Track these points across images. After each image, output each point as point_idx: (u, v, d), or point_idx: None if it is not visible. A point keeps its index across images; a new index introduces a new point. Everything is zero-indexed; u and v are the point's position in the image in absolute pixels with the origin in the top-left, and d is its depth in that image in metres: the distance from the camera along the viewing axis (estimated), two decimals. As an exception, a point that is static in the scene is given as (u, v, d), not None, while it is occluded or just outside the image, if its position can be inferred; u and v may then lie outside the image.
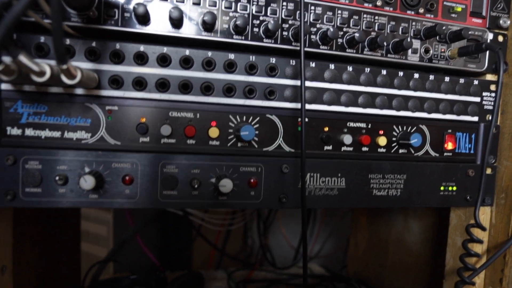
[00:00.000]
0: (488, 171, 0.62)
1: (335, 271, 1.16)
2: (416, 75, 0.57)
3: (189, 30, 0.48)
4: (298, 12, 0.51)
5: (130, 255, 1.12)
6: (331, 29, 0.50)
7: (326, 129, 0.54)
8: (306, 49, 0.51)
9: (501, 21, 0.60)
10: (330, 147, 0.54)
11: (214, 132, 0.49)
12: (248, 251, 1.25)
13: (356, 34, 0.51)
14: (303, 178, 0.48)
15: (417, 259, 0.82)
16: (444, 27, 0.56)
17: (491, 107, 0.61)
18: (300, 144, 0.48)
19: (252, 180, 0.51)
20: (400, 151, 0.57)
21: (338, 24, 0.52)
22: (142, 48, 0.47)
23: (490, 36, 0.60)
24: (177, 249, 1.20)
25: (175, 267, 1.17)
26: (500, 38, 0.61)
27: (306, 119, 0.53)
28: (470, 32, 0.56)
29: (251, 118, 0.51)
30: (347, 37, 0.52)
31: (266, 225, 1.19)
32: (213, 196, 0.50)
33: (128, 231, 1.05)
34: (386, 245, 0.93)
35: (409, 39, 0.52)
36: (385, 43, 0.53)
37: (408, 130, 0.57)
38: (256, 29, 0.50)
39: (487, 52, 0.60)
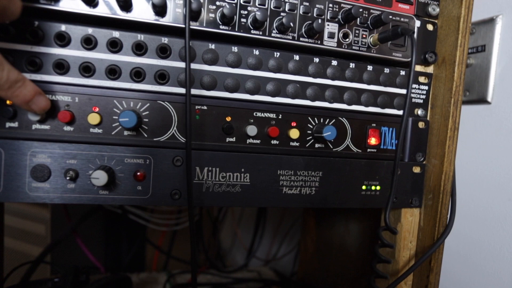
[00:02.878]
0: (417, 169, 0.57)
1: (286, 276, 1.11)
2: (334, 62, 0.52)
3: (65, 3, 0.43)
4: (195, -13, 0.46)
5: (70, 256, 1.06)
6: (227, 6, 0.44)
7: (229, 118, 0.48)
8: (196, 27, 0.45)
9: (430, 9, 0.55)
10: (233, 139, 0.49)
11: (95, 118, 0.44)
12: (206, 253, 1.19)
13: (258, 13, 0.45)
14: (188, 171, 0.43)
15: (356, 264, 0.77)
16: (363, 10, 0.52)
17: (419, 100, 0.57)
18: (185, 132, 0.42)
19: (138, 173, 0.45)
20: (316, 145, 0.52)
21: (241, 2, 0.47)
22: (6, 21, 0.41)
23: (417, 23, 0.55)
24: (125, 251, 1.14)
25: (124, 269, 1.11)
26: (430, 27, 0.56)
27: (205, 107, 0.48)
28: (390, 17, 0.51)
29: (139, 104, 0.46)
30: (251, 17, 0.47)
31: (215, 224, 1.13)
32: (93, 191, 0.44)
33: (66, 230, 0.99)
34: (330, 248, 0.88)
35: (320, 21, 0.47)
36: (291, 24, 0.47)
37: (325, 122, 0.52)
38: (146, 5, 0.44)
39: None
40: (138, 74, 0.45)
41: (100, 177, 0.42)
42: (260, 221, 1.15)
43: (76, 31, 0.43)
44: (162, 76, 0.45)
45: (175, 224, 1.07)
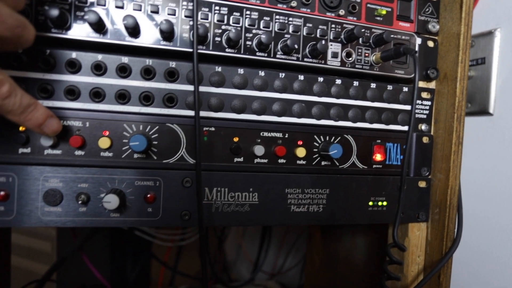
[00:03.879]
0: (422, 184, 0.58)
1: (292, 289, 1.11)
2: (338, 81, 0.53)
3: (75, 31, 0.44)
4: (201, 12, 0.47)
5: (76, 274, 1.06)
6: (233, 30, 0.45)
7: (236, 139, 0.49)
8: (203, 51, 0.46)
9: (430, 26, 0.56)
10: (241, 159, 0.49)
11: (105, 142, 0.45)
12: (211, 267, 1.19)
13: (263, 36, 0.46)
14: (198, 192, 0.43)
15: (363, 278, 0.77)
16: (365, 30, 0.53)
17: (423, 116, 0.58)
18: (195, 154, 0.43)
19: (149, 195, 0.46)
20: (323, 163, 0.53)
21: (246, 25, 0.48)
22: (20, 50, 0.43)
23: (418, 40, 0.56)
24: (131, 267, 1.14)
25: (130, 286, 1.11)
26: (430, 44, 0.57)
27: (213, 128, 0.48)
28: (392, 36, 0.52)
29: (148, 127, 0.46)
30: (256, 40, 0.48)
31: (221, 239, 1.13)
32: (104, 213, 0.45)
33: (72, 247, 0.99)
34: (337, 262, 0.87)
35: (324, 42, 0.48)
36: (296, 45, 0.49)
37: (331, 140, 0.53)
38: (154, 31, 0.45)
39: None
40: (147, 98, 0.46)
41: (112, 201, 0.43)
42: (265, 234, 1.15)
43: (87, 58, 0.44)
44: (170, 100, 0.46)
45: (181, 240, 1.07)
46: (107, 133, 0.45)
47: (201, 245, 0.46)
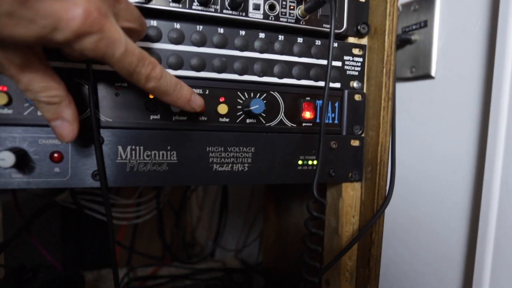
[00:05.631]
0: (355, 143, 0.57)
1: (251, 265, 1.10)
2: (262, 35, 0.51)
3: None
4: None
5: (26, 257, 1.02)
6: (139, -24, 0.43)
7: (151, 95, 0.47)
8: None
9: (359, -22, 0.55)
10: (157, 116, 0.47)
11: (2, 98, 0.42)
12: (168, 245, 1.17)
13: (173, -17, 0.44)
14: (96, 149, 0.41)
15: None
16: (287, -20, 0.50)
17: (354, 73, 0.56)
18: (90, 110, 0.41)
19: (55, 155, 0.43)
20: (248, 121, 0.51)
21: (157, -27, 0.45)
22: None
23: (347, -7, 0.54)
24: (88, 248, 1.11)
25: (87, 266, 1.08)
26: (361, -4, 0.55)
27: (125, 84, 0.46)
28: (316, -14, 0.50)
29: (52, 82, 0.43)
30: (169, -11, 0.46)
31: (178, 215, 1.11)
32: (4, 174, 0.42)
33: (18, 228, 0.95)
34: (288, 233, 0.87)
35: (241, -9, 0.46)
36: (210, -6, 0.46)
37: (256, 97, 0.51)
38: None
39: (345, 12, 0.54)
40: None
41: (6, 158, 0.40)
42: (223, 210, 1.13)
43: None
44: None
45: (136, 218, 1.04)
46: (5, 88, 0.42)
47: (106, 211, 0.43)
